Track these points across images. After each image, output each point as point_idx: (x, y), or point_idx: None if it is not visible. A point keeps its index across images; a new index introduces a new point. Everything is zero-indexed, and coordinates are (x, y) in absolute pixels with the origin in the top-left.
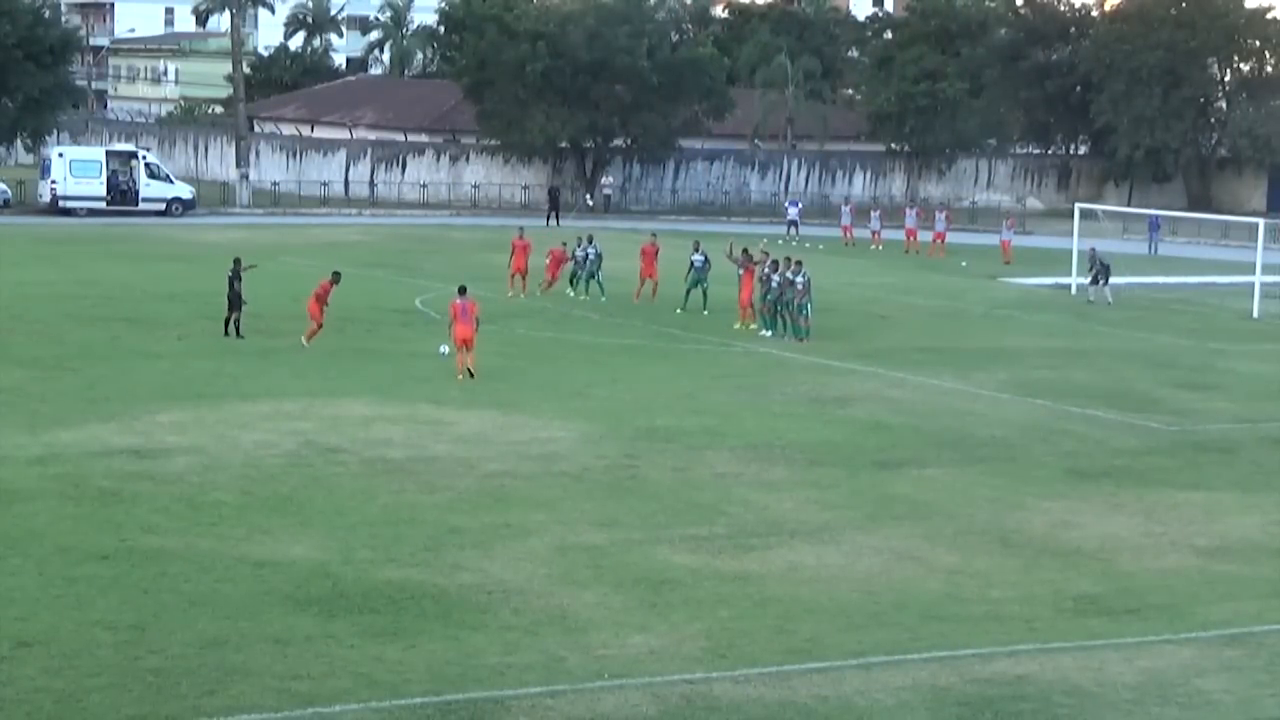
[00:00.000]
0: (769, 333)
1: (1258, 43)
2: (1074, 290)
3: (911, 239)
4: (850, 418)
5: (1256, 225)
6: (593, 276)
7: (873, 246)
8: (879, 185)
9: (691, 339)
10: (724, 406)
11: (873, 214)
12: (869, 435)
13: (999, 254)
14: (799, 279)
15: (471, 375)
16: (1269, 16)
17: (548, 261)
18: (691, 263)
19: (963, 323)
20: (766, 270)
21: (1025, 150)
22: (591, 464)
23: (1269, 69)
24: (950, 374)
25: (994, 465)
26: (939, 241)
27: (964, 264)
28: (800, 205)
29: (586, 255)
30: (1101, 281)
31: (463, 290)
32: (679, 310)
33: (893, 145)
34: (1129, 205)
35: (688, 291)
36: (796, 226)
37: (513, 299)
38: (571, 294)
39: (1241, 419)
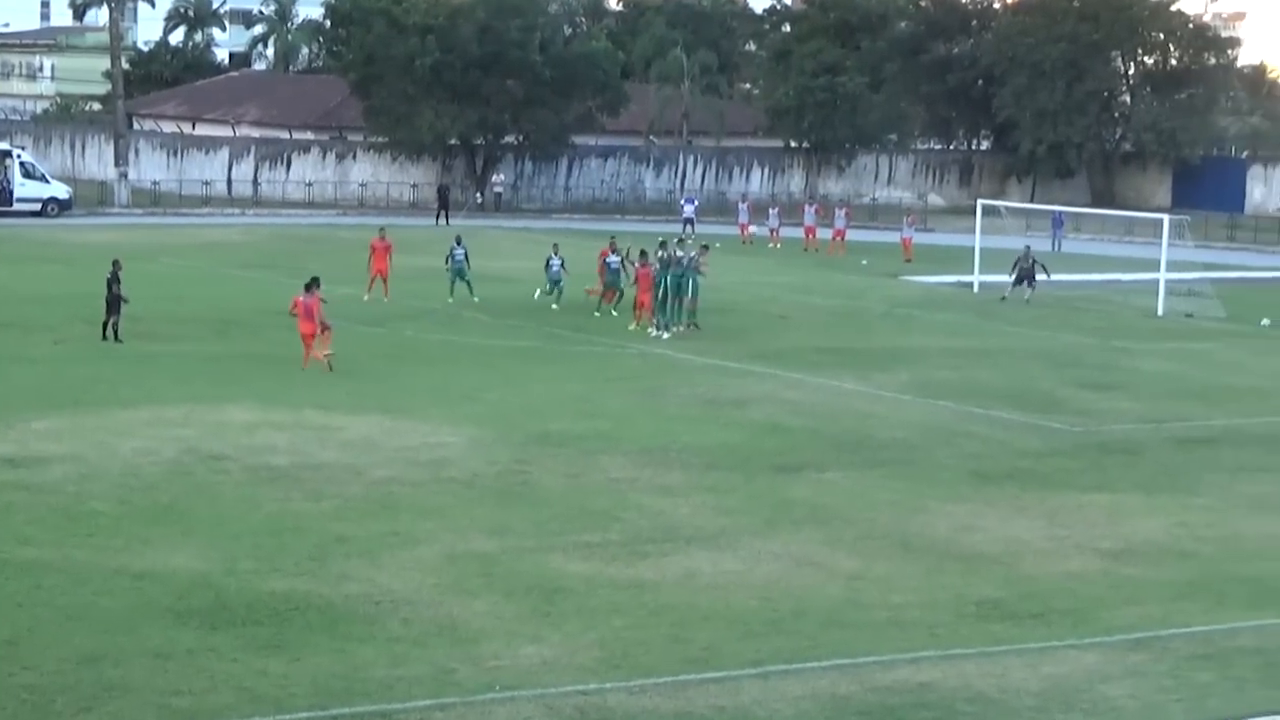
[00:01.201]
0: (666, 334)
1: (1161, 35)
2: (976, 288)
3: (810, 237)
4: (748, 420)
5: (1161, 221)
6: (461, 276)
7: (771, 245)
8: (777, 182)
9: (584, 341)
10: (618, 410)
11: (771, 211)
12: (767, 438)
13: (900, 252)
14: (695, 256)
15: (330, 368)
16: (1173, 9)
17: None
18: (548, 262)
19: (863, 322)
20: (665, 255)
21: (927, 146)
22: (482, 470)
23: (1173, 62)
24: (850, 375)
25: (895, 468)
26: (838, 239)
27: (864, 262)
28: (696, 202)
29: (453, 255)
30: (1027, 283)
31: (309, 285)
32: (537, 293)
33: (791, 141)
34: (1032, 201)
35: (552, 288)
36: (693, 224)
37: (369, 303)
38: (451, 300)
39: (1145, 419)
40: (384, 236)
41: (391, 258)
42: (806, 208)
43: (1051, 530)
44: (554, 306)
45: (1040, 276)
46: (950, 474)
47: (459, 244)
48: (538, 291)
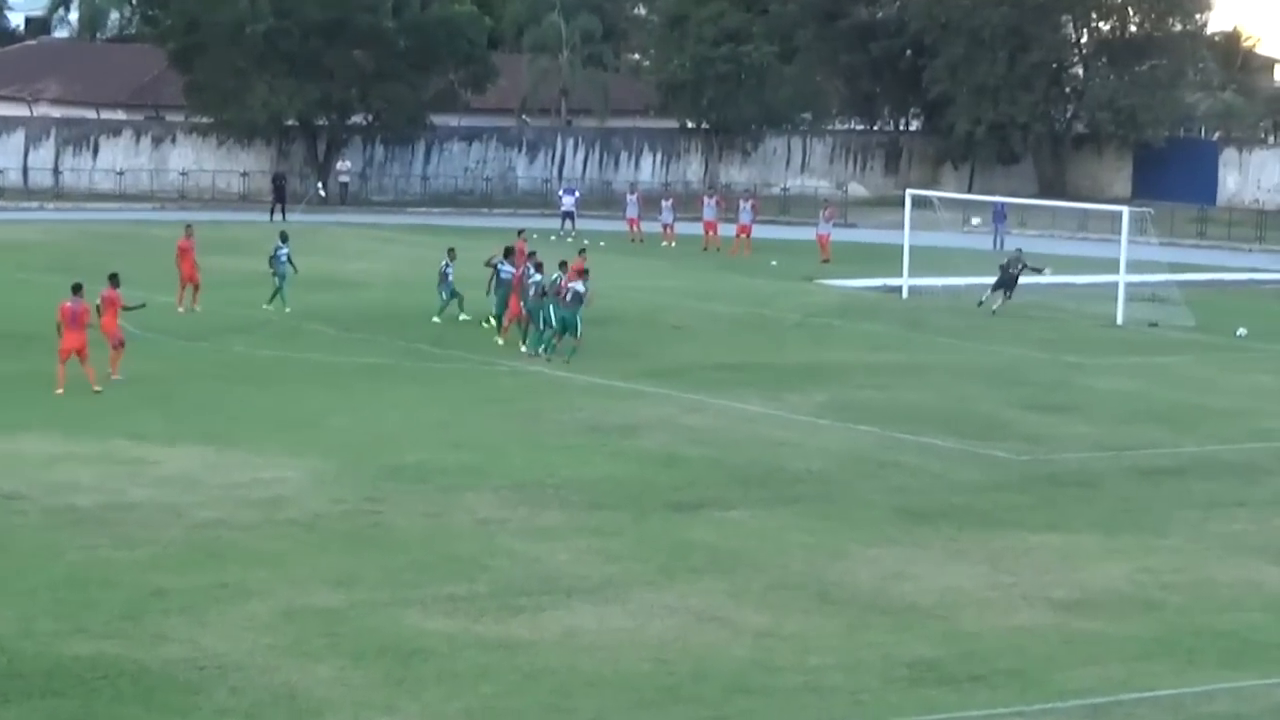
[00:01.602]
0: (541, 350)
1: None
2: (905, 293)
3: (711, 233)
4: (638, 450)
5: (1120, 215)
6: (281, 281)
7: (664, 243)
8: (672, 169)
9: (447, 357)
10: (486, 438)
11: (664, 204)
12: (661, 471)
13: (815, 251)
14: (580, 287)
15: (97, 390)
16: None
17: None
18: (443, 273)
19: (773, 334)
20: (530, 269)
21: (847, 127)
22: (326, 510)
23: (1132, 29)
24: (758, 396)
25: (811, 505)
26: (743, 236)
27: (774, 263)
28: (577, 194)
29: (276, 256)
30: (1004, 291)
31: (76, 289)
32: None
33: (688, 121)
34: (970, 191)
35: (446, 303)
36: (572, 219)
37: (186, 314)
38: (268, 307)
39: (1103, 446)
40: (190, 235)
41: (195, 259)
42: (706, 199)
43: (995, 577)
44: (462, 318)
45: (1034, 278)
46: (875, 512)
47: (284, 242)
48: (484, 322)
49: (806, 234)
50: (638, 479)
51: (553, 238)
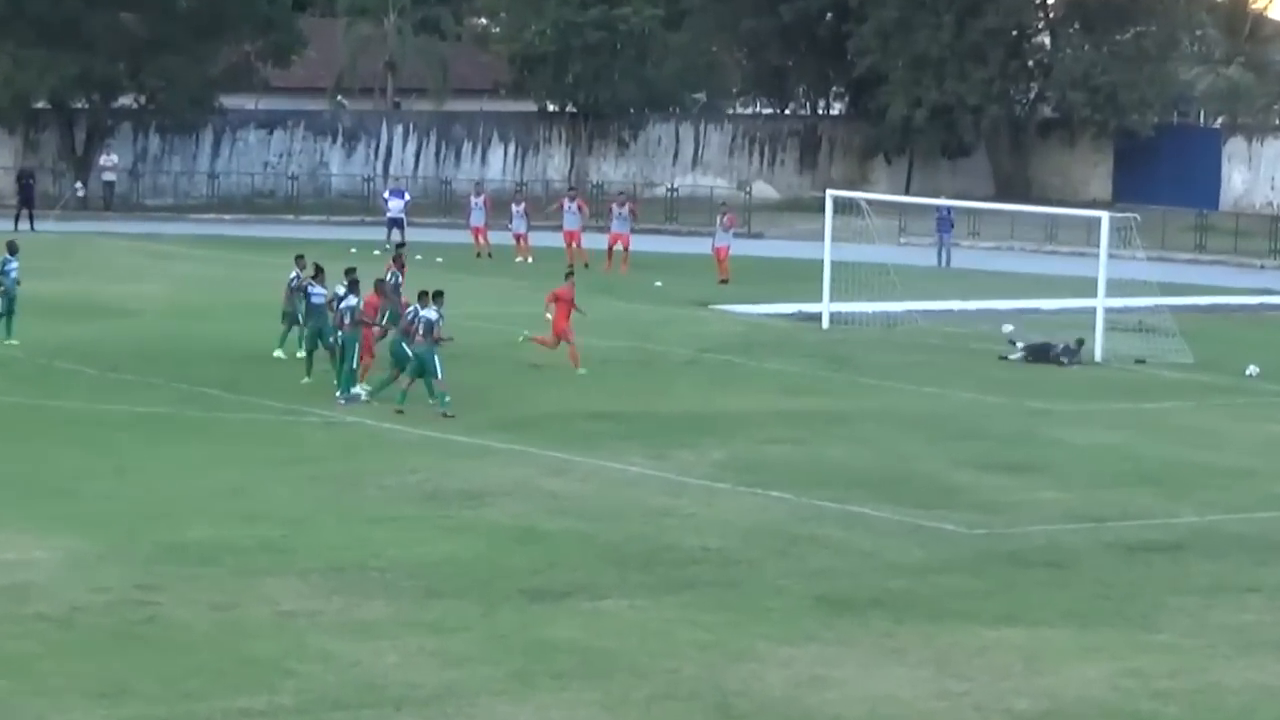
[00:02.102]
0: (364, 392)
1: None
2: (826, 321)
3: (574, 245)
4: (486, 523)
5: (1098, 222)
6: (8, 305)
7: (518, 258)
8: (529, 165)
9: (242, 404)
10: (292, 508)
11: (515, 209)
12: (515, 549)
13: (712, 268)
14: (432, 314)
15: None
16: None
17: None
18: (306, 292)
19: (658, 374)
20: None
21: (751, 110)
22: (86, 601)
23: None
24: (640, 453)
25: (707, 593)
26: (620, 248)
27: (658, 284)
28: (407, 196)
29: (5, 272)
30: (1030, 356)
31: None
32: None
33: (549, 104)
34: (908, 191)
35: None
36: (401, 228)
37: None
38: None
39: (1078, 516)
40: None
41: None
42: (566, 203)
43: (941, 683)
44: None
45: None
46: (790, 601)
47: (13, 255)
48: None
49: (700, 246)
50: (486, 560)
51: (376, 252)
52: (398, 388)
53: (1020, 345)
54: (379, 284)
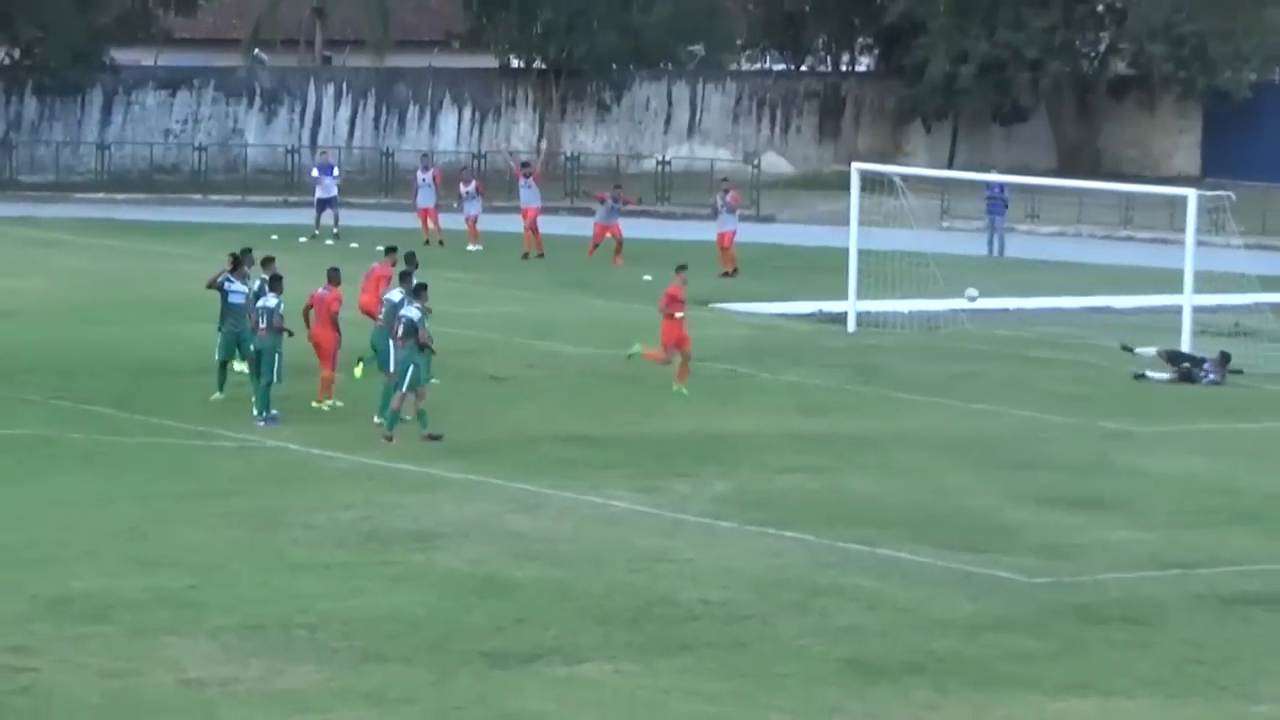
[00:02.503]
0: (263, 421)
1: None
2: (852, 324)
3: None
4: (438, 570)
5: (1184, 201)
6: None
7: (471, 246)
8: (488, 132)
9: (137, 425)
10: (200, 553)
11: (463, 189)
12: (474, 603)
13: (713, 257)
14: (414, 313)
15: None
16: None
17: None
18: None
19: (648, 388)
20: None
21: (759, 66)
22: None
23: None
24: (626, 484)
25: (709, 656)
26: (613, 239)
27: (647, 277)
28: (337, 172)
29: None
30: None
31: None
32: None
33: (513, 58)
34: (952, 165)
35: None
36: (333, 209)
37: None
38: None
39: (1161, 561)
40: None
41: None
42: (521, 179)
43: None
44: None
45: (1211, 377)
46: (809, 666)
47: None
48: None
49: (698, 232)
50: (438, 616)
51: (303, 239)
52: (393, 407)
53: (1154, 352)
54: (333, 273)
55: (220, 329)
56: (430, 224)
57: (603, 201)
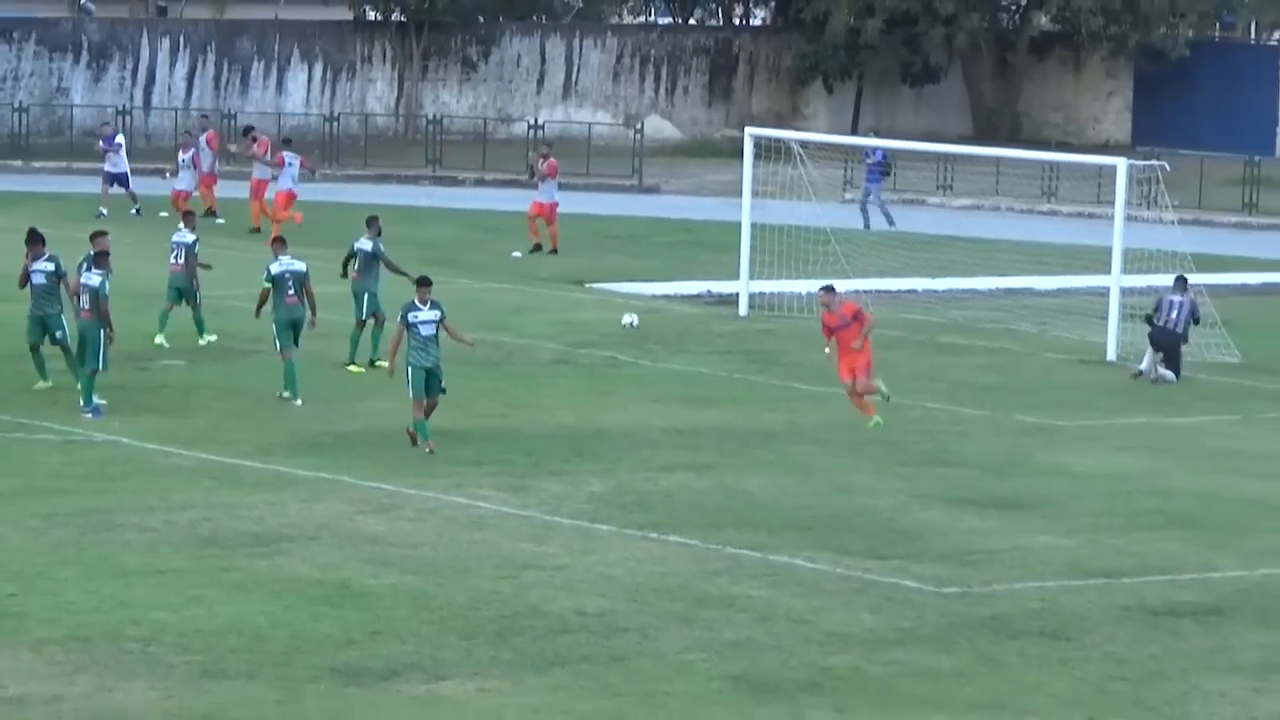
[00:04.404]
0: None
1: None
2: (744, 307)
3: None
4: (284, 577)
5: (1112, 171)
6: None
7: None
8: (342, 93)
9: None
10: (21, 557)
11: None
12: (323, 613)
13: (591, 230)
14: (432, 314)
15: None
16: None
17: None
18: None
19: (516, 377)
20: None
21: (642, 20)
22: None
23: None
24: (492, 483)
25: (584, 672)
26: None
27: (516, 254)
28: (120, 140)
29: None
30: (1163, 357)
31: None
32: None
33: (370, 10)
34: (856, 128)
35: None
36: (126, 184)
37: None
38: None
39: (1083, 569)
40: None
41: None
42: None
43: None
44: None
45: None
46: (694, 683)
47: None
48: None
49: (570, 203)
50: (284, 627)
51: (99, 215)
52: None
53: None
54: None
55: (28, 313)
56: (181, 201)
57: None
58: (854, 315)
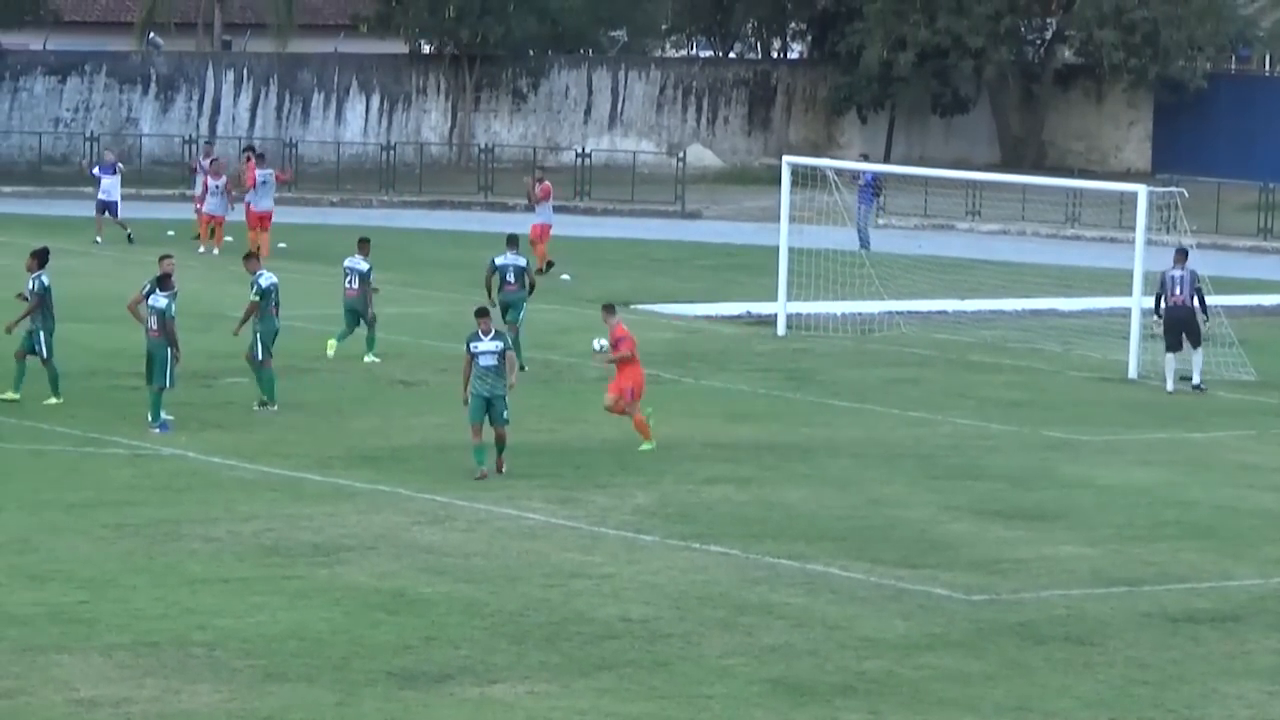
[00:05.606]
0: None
1: None
2: (782, 327)
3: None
4: (343, 585)
5: (1134, 198)
6: None
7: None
8: (398, 123)
9: (24, 431)
10: (92, 566)
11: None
12: (380, 620)
13: (634, 254)
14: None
15: None
16: None
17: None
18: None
19: (565, 394)
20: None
21: (684, 53)
22: None
23: None
24: (541, 495)
25: (629, 676)
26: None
27: (566, 277)
28: (119, 167)
29: None
30: (1179, 347)
31: None
32: None
33: (425, 44)
34: (889, 158)
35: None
36: (113, 212)
37: None
38: None
39: (1107, 578)
40: None
41: None
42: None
43: None
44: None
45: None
46: (734, 687)
47: None
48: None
49: (616, 228)
50: (343, 633)
51: (97, 241)
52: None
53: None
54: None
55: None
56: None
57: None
58: (616, 340)
